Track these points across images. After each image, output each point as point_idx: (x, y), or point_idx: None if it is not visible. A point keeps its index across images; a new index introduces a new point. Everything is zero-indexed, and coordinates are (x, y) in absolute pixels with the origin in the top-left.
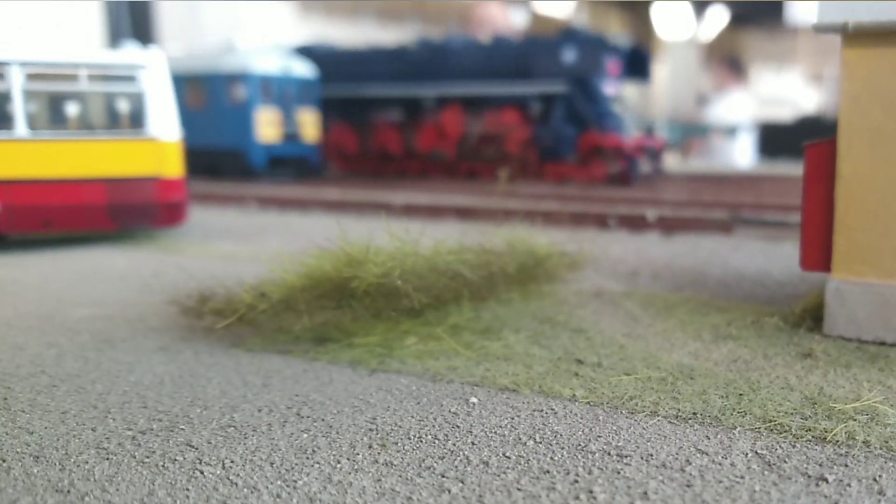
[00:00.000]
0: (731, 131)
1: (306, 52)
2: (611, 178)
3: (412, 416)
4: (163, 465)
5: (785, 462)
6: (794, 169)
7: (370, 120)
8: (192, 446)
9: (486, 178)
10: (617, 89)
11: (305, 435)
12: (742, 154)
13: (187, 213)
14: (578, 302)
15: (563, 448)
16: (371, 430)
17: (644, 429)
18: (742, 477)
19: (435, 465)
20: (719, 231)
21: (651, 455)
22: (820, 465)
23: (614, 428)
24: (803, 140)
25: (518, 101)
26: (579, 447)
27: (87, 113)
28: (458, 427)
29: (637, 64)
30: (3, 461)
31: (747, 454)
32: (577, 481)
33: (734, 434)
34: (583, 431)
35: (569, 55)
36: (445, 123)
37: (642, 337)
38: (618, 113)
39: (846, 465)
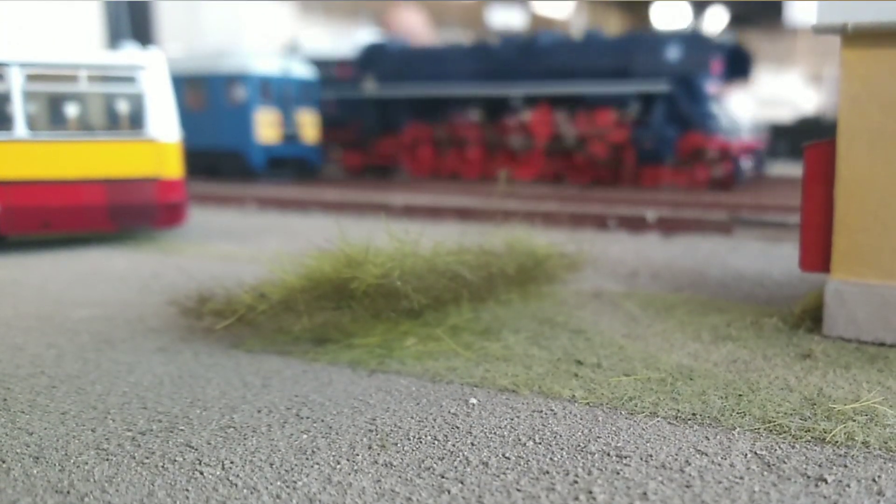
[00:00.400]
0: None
1: (377, 49)
2: (713, 183)
3: (412, 417)
4: (162, 466)
5: (784, 463)
6: (793, 169)
7: (448, 121)
8: (192, 447)
9: (576, 183)
10: (719, 89)
11: (305, 436)
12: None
13: (187, 214)
14: (578, 303)
15: (562, 449)
16: (371, 430)
17: (643, 429)
18: (741, 477)
19: (434, 465)
20: (719, 232)
21: (650, 456)
22: (819, 465)
23: (614, 429)
24: (803, 140)
25: (615, 101)
26: (579, 448)
27: (86, 114)
28: (457, 428)
29: (738, 63)
30: (3, 462)
31: (747, 455)
32: (576, 482)
33: (733, 435)
34: (582, 432)
35: (673, 53)
36: (534, 124)
37: (642, 338)
38: (718, 113)
39: (845, 466)
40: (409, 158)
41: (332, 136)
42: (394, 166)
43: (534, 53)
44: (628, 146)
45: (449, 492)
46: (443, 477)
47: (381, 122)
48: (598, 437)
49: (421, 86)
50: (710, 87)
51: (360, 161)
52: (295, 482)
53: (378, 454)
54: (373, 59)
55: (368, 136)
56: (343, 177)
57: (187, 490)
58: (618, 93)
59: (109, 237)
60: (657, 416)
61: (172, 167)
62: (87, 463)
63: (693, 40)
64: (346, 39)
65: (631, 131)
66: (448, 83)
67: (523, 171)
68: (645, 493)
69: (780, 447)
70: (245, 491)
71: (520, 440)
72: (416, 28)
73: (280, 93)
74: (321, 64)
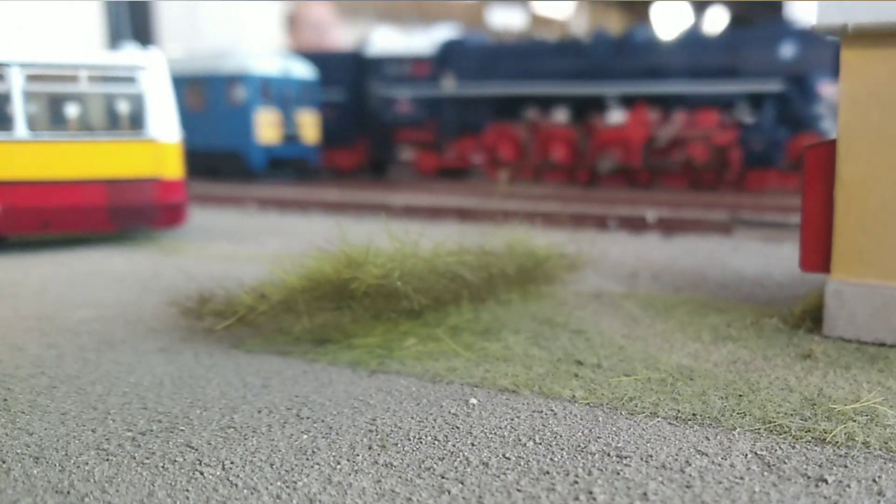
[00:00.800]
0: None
1: (456, 46)
2: None
3: (412, 418)
4: (163, 467)
5: (784, 463)
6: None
7: (533, 122)
8: (192, 447)
9: (672, 188)
10: (829, 88)
11: (305, 436)
12: None
13: (187, 215)
14: (578, 303)
15: (562, 449)
16: (371, 431)
17: (644, 430)
18: (742, 478)
19: (435, 466)
20: (719, 232)
21: (651, 456)
22: (819, 466)
23: (614, 429)
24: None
25: (720, 101)
26: (579, 448)
27: (86, 114)
28: (457, 428)
29: None
30: (3, 462)
31: (747, 455)
32: (576, 482)
33: (734, 435)
34: (582, 432)
35: (787, 50)
36: (629, 126)
37: (642, 338)
38: (826, 114)
39: (846, 466)
40: (489, 161)
41: (406, 137)
42: (471, 169)
43: (628, 51)
44: (734, 148)
45: (449, 492)
46: (443, 477)
47: (459, 123)
48: (599, 438)
49: (506, 84)
50: (822, 86)
51: (435, 163)
52: (295, 482)
53: (378, 454)
54: (451, 55)
55: (445, 137)
56: (416, 180)
57: (187, 490)
58: (726, 93)
59: (109, 237)
60: (657, 417)
61: (172, 167)
62: (87, 463)
63: (809, 36)
64: (421, 36)
65: (740, 133)
66: (534, 81)
67: (615, 176)
68: (645, 494)
69: (780, 447)
70: (245, 491)
71: (520, 440)
72: (324, 22)
73: (280, 93)
74: (395, 61)
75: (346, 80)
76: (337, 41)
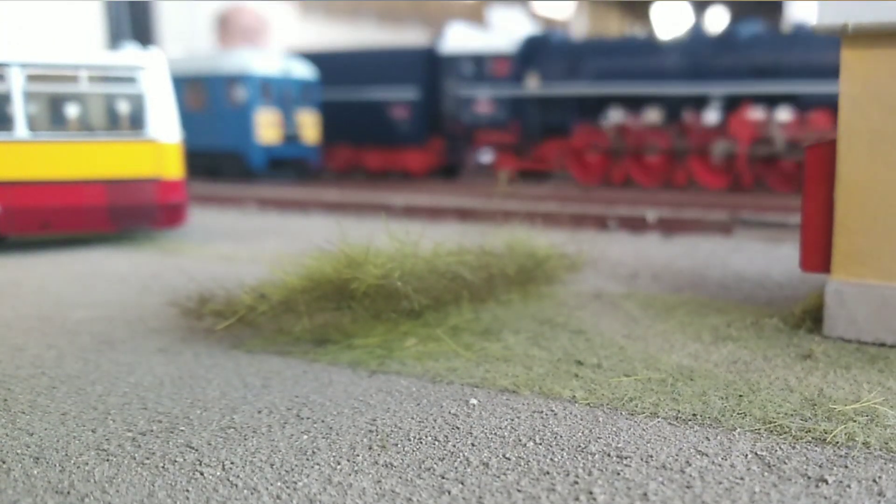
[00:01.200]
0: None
1: (540, 42)
2: None
3: (412, 418)
4: (163, 467)
5: (785, 463)
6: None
7: (622, 123)
8: (192, 448)
9: (781, 192)
10: None
11: (305, 436)
12: None
13: (187, 215)
14: (578, 303)
15: (562, 449)
16: (371, 431)
17: (644, 430)
18: (742, 478)
19: (435, 466)
20: (719, 232)
21: (651, 456)
22: (820, 466)
23: (614, 429)
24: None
25: (833, 102)
26: (579, 448)
27: (87, 114)
28: (458, 428)
29: None
30: (4, 462)
31: (747, 455)
32: (576, 482)
33: (734, 435)
34: (583, 433)
35: None
36: (732, 126)
37: (642, 338)
38: None
39: (846, 467)
40: (576, 164)
41: (486, 139)
42: (555, 172)
43: (732, 48)
44: None
45: (449, 492)
46: (443, 477)
47: (543, 124)
48: (599, 438)
49: (596, 83)
50: None
51: (516, 166)
52: (295, 483)
53: (378, 455)
54: (535, 53)
55: (529, 139)
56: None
57: (188, 491)
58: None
59: (109, 238)
60: (658, 417)
61: (173, 168)
62: (87, 463)
63: None
64: (502, 32)
65: None
66: (626, 80)
67: (714, 179)
68: (645, 494)
69: (780, 448)
70: (245, 491)
71: (520, 441)
72: (254, 28)
73: (280, 93)
74: (474, 59)
75: (418, 77)
76: (272, 44)
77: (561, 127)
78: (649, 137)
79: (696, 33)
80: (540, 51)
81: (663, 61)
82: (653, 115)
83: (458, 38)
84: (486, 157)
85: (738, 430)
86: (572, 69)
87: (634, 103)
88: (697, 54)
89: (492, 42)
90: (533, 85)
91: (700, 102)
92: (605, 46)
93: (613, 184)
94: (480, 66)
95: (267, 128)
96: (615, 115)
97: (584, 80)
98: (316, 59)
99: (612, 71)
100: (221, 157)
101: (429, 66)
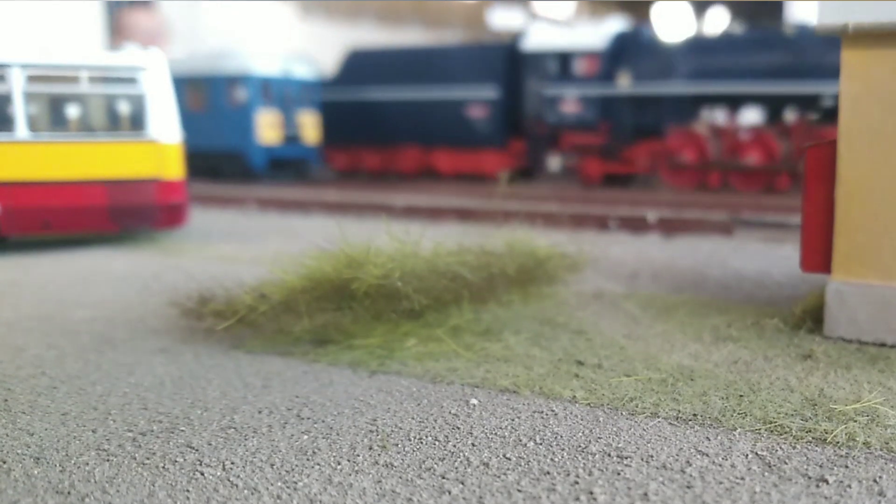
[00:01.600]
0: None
1: (631, 39)
2: None
3: (412, 418)
4: (163, 467)
5: (785, 463)
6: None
7: (720, 123)
8: (193, 448)
9: None
10: None
11: (306, 436)
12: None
13: (188, 215)
14: (578, 303)
15: (563, 449)
16: (371, 431)
17: (644, 430)
18: (742, 478)
19: (435, 466)
20: (719, 232)
21: (651, 456)
22: (820, 466)
23: (615, 429)
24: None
25: None
26: (580, 448)
27: (87, 115)
28: (458, 428)
29: None
30: (4, 463)
31: (748, 455)
32: (577, 482)
33: (734, 435)
34: (583, 433)
35: None
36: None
37: (642, 338)
38: None
39: (846, 467)
40: (665, 169)
41: (574, 140)
42: (646, 175)
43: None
44: None
45: (450, 492)
46: (443, 478)
47: (635, 124)
48: (599, 438)
49: (694, 82)
50: None
51: (602, 169)
52: (296, 483)
53: (379, 455)
54: (625, 50)
55: (619, 141)
56: (582, 187)
57: (188, 491)
58: None
59: (110, 238)
60: (658, 417)
61: (173, 168)
62: (87, 464)
63: None
64: (587, 29)
65: None
66: (725, 79)
67: None
68: (646, 494)
69: (781, 448)
70: (246, 492)
71: (521, 441)
72: (149, 33)
73: (281, 94)
74: (560, 57)
75: (498, 76)
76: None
77: (654, 128)
78: (750, 138)
79: (802, 30)
80: (631, 48)
81: (766, 59)
82: (753, 115)
83: (543, 35)
84: (554, 163)
85: (739, 430)
86: (665, 67)
87: (733, 102)
88: (804, 51)
89: (579, 39)
90: (625, 83)
91: (804, 102)
92: (702, 43)
93: (709, 188)
94: (567, 63)
95: (267, 128)
96: (714, 116)
97: (680, 78)
98: (380, 56)
99: (709, 68)
100: (222, 157)
101: (509, 64)
